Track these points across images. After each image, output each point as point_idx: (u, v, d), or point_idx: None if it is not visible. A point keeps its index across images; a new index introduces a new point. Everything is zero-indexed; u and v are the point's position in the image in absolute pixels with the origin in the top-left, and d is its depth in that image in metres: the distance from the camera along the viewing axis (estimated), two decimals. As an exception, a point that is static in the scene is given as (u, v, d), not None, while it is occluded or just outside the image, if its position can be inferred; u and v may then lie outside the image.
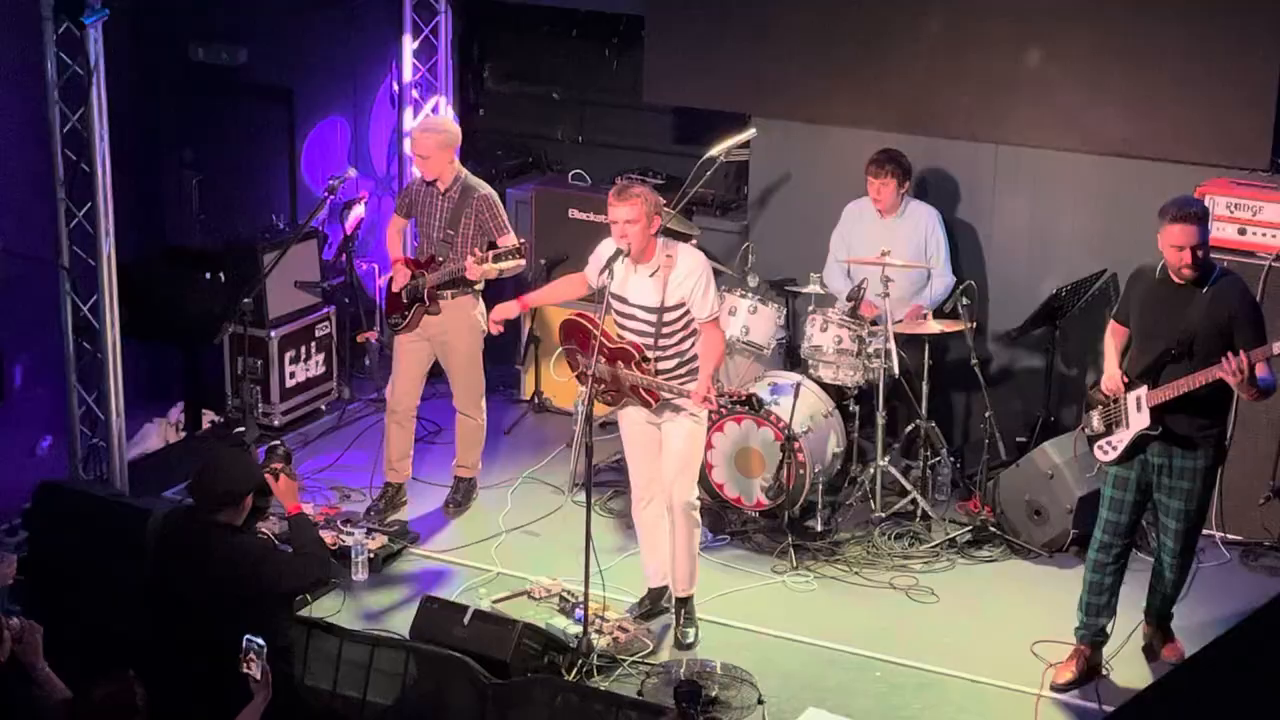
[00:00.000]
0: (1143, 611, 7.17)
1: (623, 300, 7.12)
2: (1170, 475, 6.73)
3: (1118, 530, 6.88)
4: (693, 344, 7.14)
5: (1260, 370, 6.47)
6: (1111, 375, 6.84)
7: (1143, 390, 6.67)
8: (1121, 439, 6.74)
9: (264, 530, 6.77)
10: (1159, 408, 6.61)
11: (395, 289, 8.25)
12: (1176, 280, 6.61)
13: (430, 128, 8.32)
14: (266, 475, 6.28)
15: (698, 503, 7.30)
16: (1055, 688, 6.96)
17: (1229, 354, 6.41)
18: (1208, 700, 3.42)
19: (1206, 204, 7.64)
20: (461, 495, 8.58)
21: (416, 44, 10.08)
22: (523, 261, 8.03)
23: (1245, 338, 6.50)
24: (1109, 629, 7.06)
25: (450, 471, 8.64)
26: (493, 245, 8.04)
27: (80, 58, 7.96)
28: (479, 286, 8.24)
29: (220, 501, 6.07)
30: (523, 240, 8.04)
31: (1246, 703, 3.41)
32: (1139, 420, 6.67)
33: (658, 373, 7.07)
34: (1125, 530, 6.89)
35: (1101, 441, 6.84)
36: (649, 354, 7.05)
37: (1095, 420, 6.89)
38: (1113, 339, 6.98)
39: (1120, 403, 6.76)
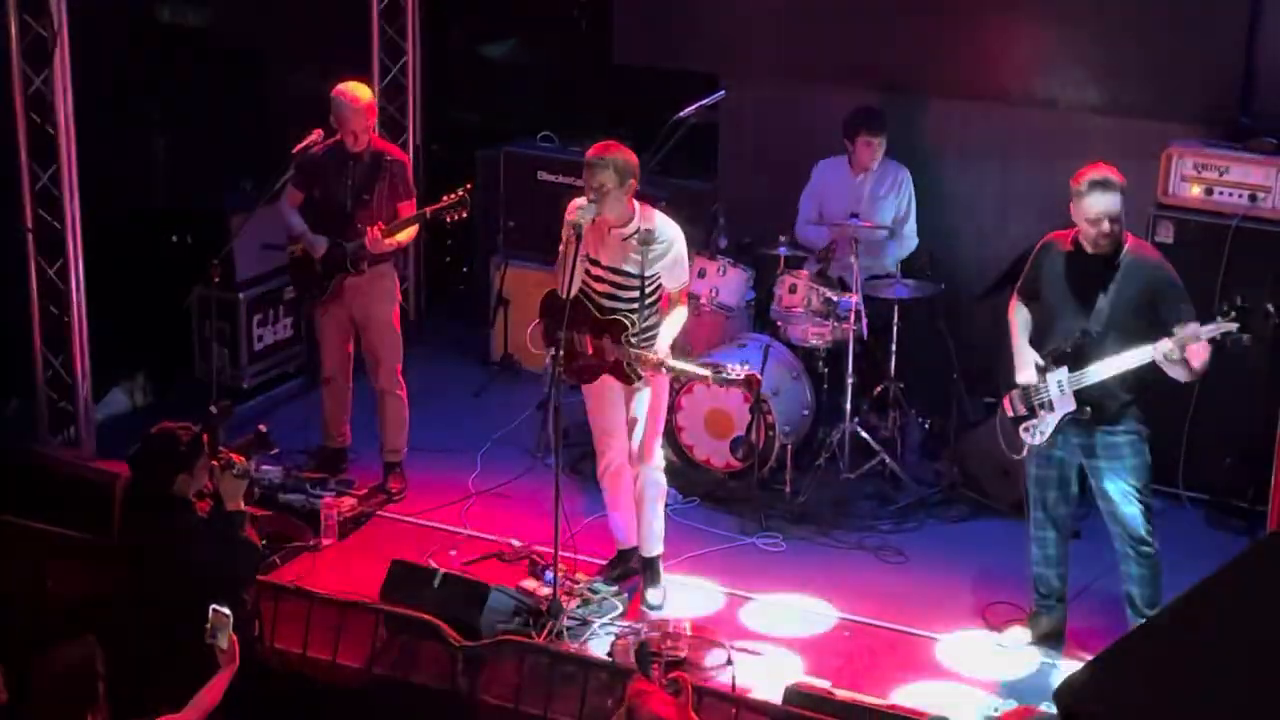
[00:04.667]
0: (1126, 601, 6.80)
1: (595, 262, 7.08)
2: (1098, 454, 6.60)
3: (1050, 506, 6.83)
4: (659, 316, 7.10)
5: (1200, 353, 6.22)
6: (1026, 367, 6.66)
7: (1063, 373, 6.50)
8: (1048, 423, 6.60)
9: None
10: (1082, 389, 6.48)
11: (316, 259, 8.03)
12: (1091, 250, 6.42)
13: (336, 104, 7.89)
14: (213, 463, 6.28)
15: (663, 463, 7.30)
16: (996, 631, 7.04)
17: (1163, 339, 6.21)
18: (1166, 660, 3.45)
19: (1174, 160, 7.65)
20: (397, 484, 8.29)
21: (384, 4, 9.99)
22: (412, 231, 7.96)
23: (1174, 312, 6.31)
24: (1064, 595, 7.01)
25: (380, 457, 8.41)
26: (394, 215, 7.90)
27: (44, 19, 7.89)
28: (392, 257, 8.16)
29: (159, 478, 6.18)
30: (468, 187, 7.96)
31: (1205, 663, 3.44)
32: (1064, 403, 6.52)
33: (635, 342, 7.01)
34: (1058, 505, 6.83)
35: (1028, 424, 6.67)
36: (636, 323, 6.98)
37: (1018, 404, 6.70)
38: (1017, 318, 6.77)
39: (1040, 386, 6.60)
